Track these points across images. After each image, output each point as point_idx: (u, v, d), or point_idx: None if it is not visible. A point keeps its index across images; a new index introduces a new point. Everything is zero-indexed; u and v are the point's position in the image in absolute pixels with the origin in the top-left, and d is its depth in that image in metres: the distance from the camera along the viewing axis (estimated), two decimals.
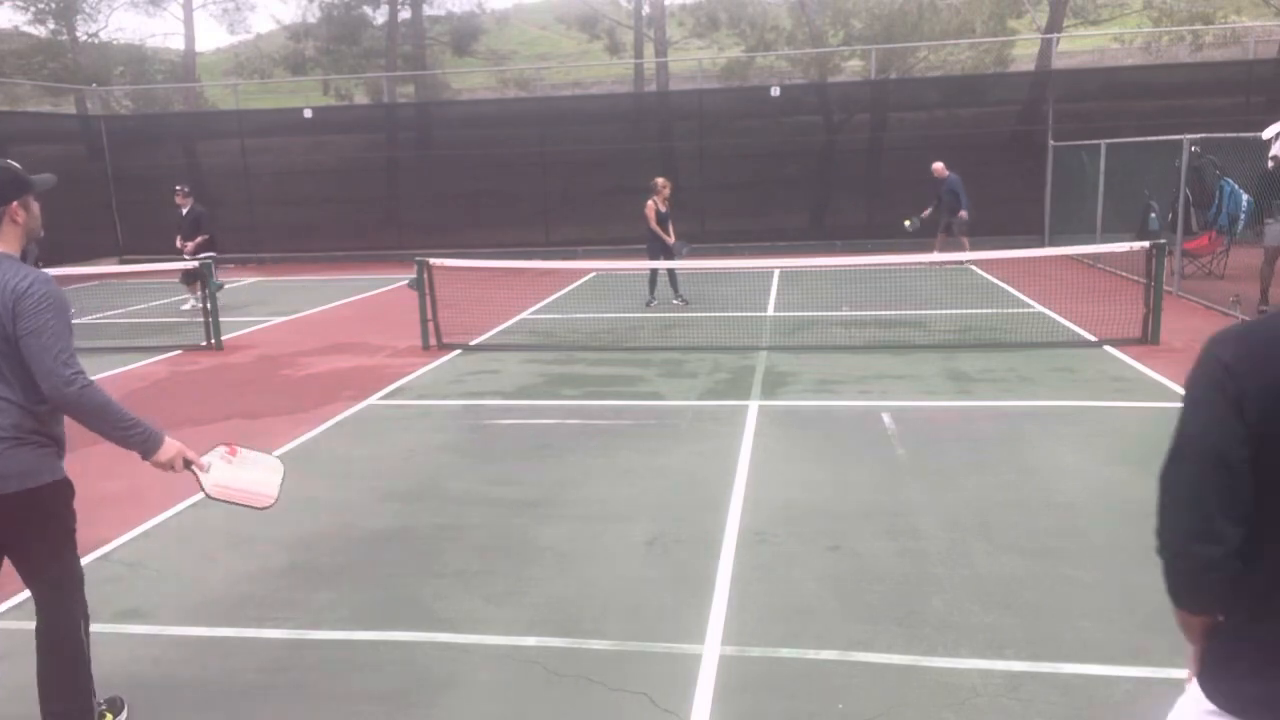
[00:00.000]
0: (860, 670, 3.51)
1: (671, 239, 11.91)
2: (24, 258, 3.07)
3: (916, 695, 3.34)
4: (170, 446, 3.12)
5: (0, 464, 2.91)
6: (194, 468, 3.25)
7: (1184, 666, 1.90)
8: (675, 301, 12.10)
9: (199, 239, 12.83)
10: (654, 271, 12.09)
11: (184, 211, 12.98)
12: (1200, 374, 1.66)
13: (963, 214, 14.14)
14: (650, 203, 11.88)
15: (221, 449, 3.41)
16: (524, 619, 3.99)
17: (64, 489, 3.10)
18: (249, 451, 3.47)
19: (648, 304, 12.15)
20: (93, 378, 2.98)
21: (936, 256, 13.39)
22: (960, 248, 13.95)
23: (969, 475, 5.56)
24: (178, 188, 13.21)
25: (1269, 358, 1.61)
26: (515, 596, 4.22)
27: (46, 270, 3.65)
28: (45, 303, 2.88)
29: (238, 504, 3.40)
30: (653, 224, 11.86)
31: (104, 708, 3.39)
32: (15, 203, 3.02)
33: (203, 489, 3.31)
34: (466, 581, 4.39)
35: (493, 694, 3.46)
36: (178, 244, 12.93)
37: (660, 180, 12.02)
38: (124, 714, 3.47)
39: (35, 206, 3.12)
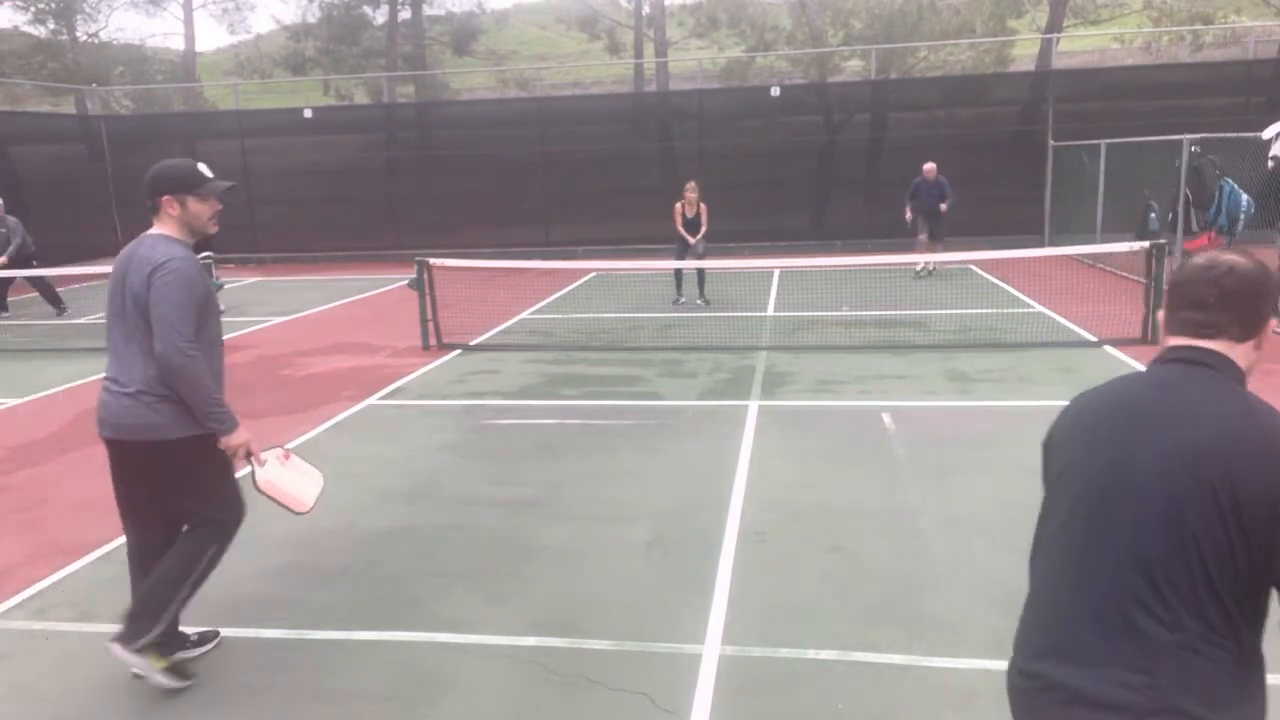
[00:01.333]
0: (860, 670, 3.51)
1: (693, 240, 12.01)
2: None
3: (916, 695, 3.34)
4: (241, 434, 3.47)
5: (132, 416, 3.34)
6: (253, 460, 3.56)
7: None
8: (699, 301, 12.16)
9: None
10: (679, 270, 12.16)
11: None
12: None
13: (943, 206, 13.54)
14: (676, 206, 12.08)
15: (278, 450, 3.74)
16: (524, 619, 3.99)
17: (192, 444, 3.40)
18: (299, 460, 3.83)
19: (674, 302, 12.22)
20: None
21: (933, 257, 13.28)
22: (932, 250, 13.54)
23: (969, 475, 5.56)
24: None
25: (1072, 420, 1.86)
26: (515, 596, 4.22)
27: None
28: (173, 278, 3.31)
29: (278, 502, 3.67)
30: (677, 226, 12.06)
31: (164, 662, 3.52)
32: (168, 196, 3.47)
33: (254, 481, 3.59)
34: (466, 581, 4.39)
35: (493, 694, 3.46)
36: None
37: (687, 185, 12.20)
38: (211, 645, 3.78)
39: (196, 205, 3.50)
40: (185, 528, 3.56)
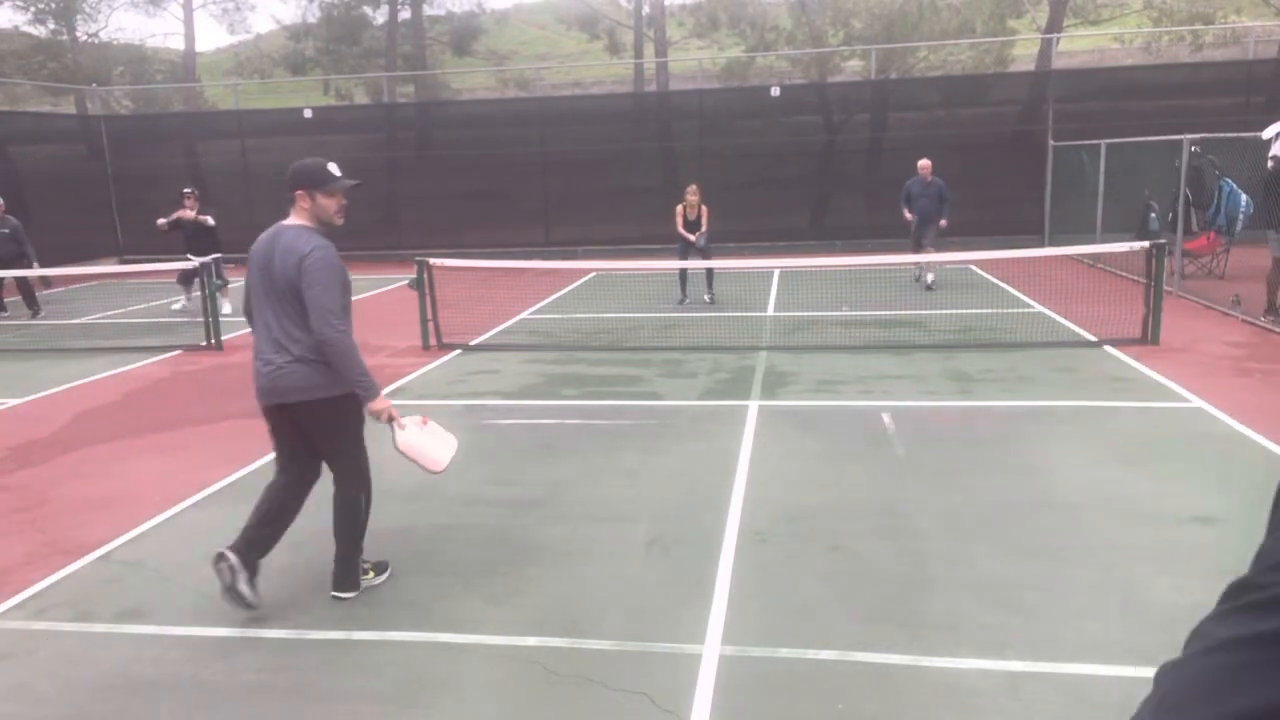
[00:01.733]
0: (860, 670, 3.51)
1: (693, 237, 12.08)
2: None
3: (916, 695, 3.33)
4: (384, 400, 4.05)
5: (292, 380, 3.94)
6: (395, 424, 4.07)
7: None
8: (705, 298, 12.22)
9: (203, 217, 12.60)
10: (684, 271, 12.20)
11: (194, 216, 12.62)
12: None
13: (943, 222, 12.54)
14: (677, 208, 12.15)
15: (418, 417, 4.23)
16: (524, 619, 3.98)
17: (343, 402, 4.01)
18: (436, 426, 4.28)
19: (679, 302, 12.26)
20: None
21: (929, 257, 12.79)
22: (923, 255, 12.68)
23: (969, 475, 5.56)
24: (186, 190, 12.85)
25: None
26: (515, 596, 4.22)
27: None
28: (320, 265, 3.92)
29: (416, 462, 4.17)
30: (678, 227, 12.12)
31: (369, 565, 4.33)
32: (301, 190, 4.09)
33: (395, 442, 4.10)
34: (466, 581, 4.39)
35: (493, 694, 3.46)
36: (159, 222, 12.60)
37: (688, 188, 12.27)
38: (386, 575, 4.39)
39: (323, 200, 4.10)
40: (335, 492, 4.16)
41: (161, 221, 12.55)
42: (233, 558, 3.95)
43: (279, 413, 4.06)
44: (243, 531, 4.07)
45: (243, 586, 3.95)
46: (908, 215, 12.83)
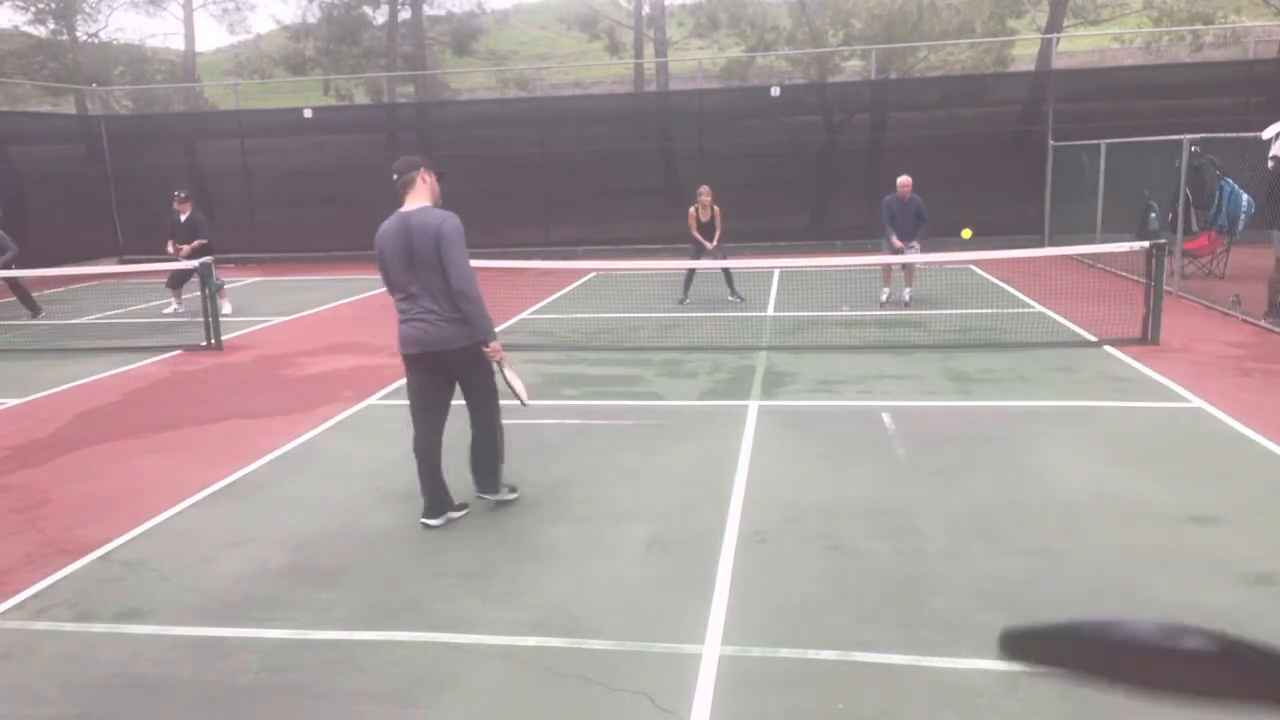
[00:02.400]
0: (860, 670, 3.51)
1: (710, 245, 12.10)
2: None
3: (916, 695, 3.33)
4: (498, 343, 5.00)
5: (444, 332, 4.89)
6: (503, 362, 5.12)
7: None
8: (731, 299, 12.25)
9: (196, 243, 12.68)
10: (691, 272, 12.23)
11: (182, 218, 12.68)
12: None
13: (916, 244, 11.41)
14: (690, 210, 12.20)
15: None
16: (524, 619, 3.98)
17: (476, 349, 4.95)
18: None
19: (680, 302, 12.27)
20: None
21: (922, 256, 11.90)
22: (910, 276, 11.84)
23: (969, 475, 5.56)
24: (176, 193, 12.91)
25: None
26: (515, 596, 4.22)
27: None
28: (454, 231, 4.88)
29: (514, 389, 5.23)
30: (692, 230, 12.15)
31: (510, 484, 5.32)
32: (423, 170, 5.01)
33: (504, 374, 5.16)
34: (466, 581, 4.39)
35: (493, 694, 3.46)
36: (169, 248, 12.75)
37: (700, 189, 12.29)
38: (515, 496, 5.32)
39: (434, 180, 5.07)
40: (476, 419, 5.12)
41: (184, 249, 12.60)
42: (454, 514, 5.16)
43: (426, 360, 4.97)
44: (429, 496, 5.10)
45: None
46: (896, 242, 11.37)
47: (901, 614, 3.91)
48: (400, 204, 4.98)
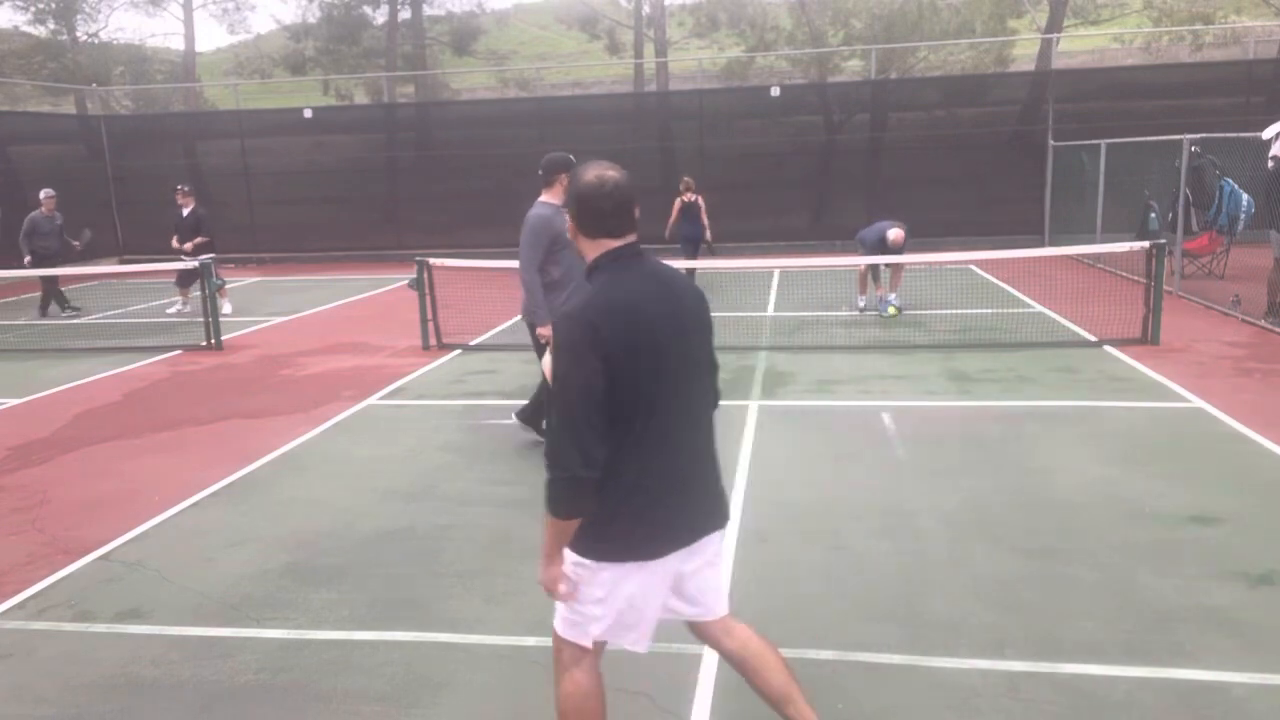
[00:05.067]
0: (860, 670, 3.51)
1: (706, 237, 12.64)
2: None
3: (916, 695, 3.33)
4: (548, 329, 4.81)
5: (524, 306, 5.68)
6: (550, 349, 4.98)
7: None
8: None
9: (198, 240, 12.71)
10: (689, 272, 12.34)
11: (185, 213, 12.78)
12: (578, 337, 2.31)
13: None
14: (675, 203, 12.62)
15: None
16: (524, 619, 3.98)
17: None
18: None
19: None
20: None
21: (913, 258, 11.54)
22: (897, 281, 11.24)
23: (969, 475, 5.56)
24: (179, 187, 12.98)
25: (625, 319, 2.34)
26: (515, 596, 4.22)
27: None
28: (526, 225, 5.64)
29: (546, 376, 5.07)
30: (671, 218, 12.59)
31: None
32: (564, 174, 5.47)
33: (543, 362, 5.10)
34: (466, 581, 4.39)
35: (493, 694, 3.46)
36: (174, 244, 12.79)
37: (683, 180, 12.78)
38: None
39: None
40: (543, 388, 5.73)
41: (187, 246, 12.64)
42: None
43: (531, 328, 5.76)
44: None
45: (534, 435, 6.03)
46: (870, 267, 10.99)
47: (901, 614, 3.91)
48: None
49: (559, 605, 2.62)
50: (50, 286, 13.23)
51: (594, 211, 2.45)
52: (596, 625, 2.55)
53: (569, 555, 2.51)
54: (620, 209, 2.46)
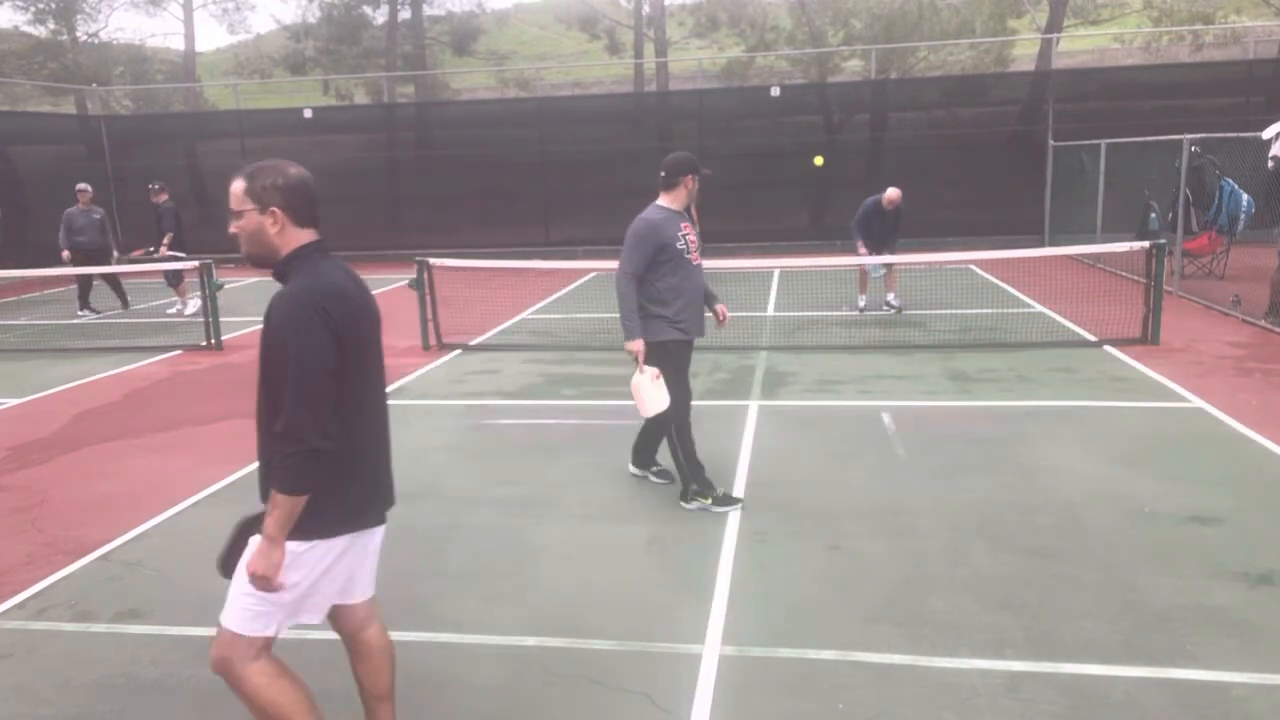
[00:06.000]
0: (860, 670, 3.51)
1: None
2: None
3: (916, 695, 3.33)
4: (636, 345, 4.93)
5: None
6: (638, 366, 4.98)
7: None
8: None
9: (168, 236, 12.73)
10: None
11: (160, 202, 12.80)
12: (309, 316, 2.44)
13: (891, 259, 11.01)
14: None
15: (655, 370, 4.99)
16: (524, 619, 3.98)
17: (658, 348, 4.99)
18: (663, 384, 5.01)
19: None
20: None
21: (899, 261, 11.33)
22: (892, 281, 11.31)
23: (969, 475, 5.56)
24: (150, 185, 12.95)
25: (342, 302, 2.52)
26: (515, 596, 4.22)
27: None
28: (630, 231, 4.99)
29: (635, 398, 5.05)
30: None
31: (697, 489, 5.17)
32: (690, 176, 5.05)
33: (635, 377, 5.00)
34: (466, 581, 4.39)
35: (493, 694, 3.46)
36: (149, 250, 12.87)
37: None
38: (723, 508, 5.10)
39: (693, 184, 5.08)
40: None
41: (155, 250, 12.74)
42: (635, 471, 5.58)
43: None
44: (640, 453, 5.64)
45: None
46: (861, 249, 10.85)
47: (901, 614, 3.91)
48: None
49: (236, 602, 2.71)
50: (87, 281, 13.21)
51: (308, 200, 2.64)
52: (283, 612, 2.69)
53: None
54: (317, 203, 2.69)
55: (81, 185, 13.03)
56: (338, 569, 2.74)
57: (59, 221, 13.15)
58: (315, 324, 2.45)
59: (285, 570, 2.57)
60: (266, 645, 2.74)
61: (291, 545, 2.57)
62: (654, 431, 5.41)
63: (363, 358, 2.62)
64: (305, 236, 2.64)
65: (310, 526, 2.58)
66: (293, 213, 2.61)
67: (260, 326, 2.60)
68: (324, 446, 2.46)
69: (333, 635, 3.91)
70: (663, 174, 5.09)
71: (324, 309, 2.47)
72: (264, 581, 2.57)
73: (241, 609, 2.68)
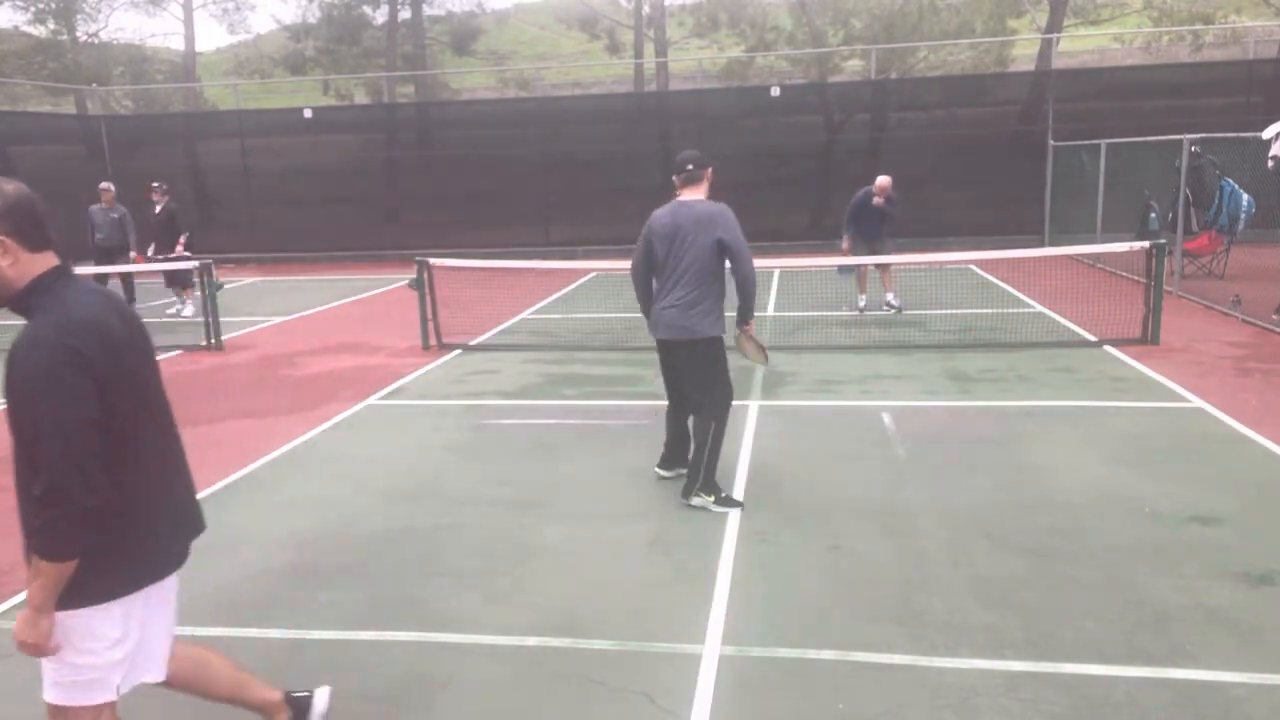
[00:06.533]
0: (860, 670, 3.51)
1: None
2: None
3: (916, 695, 3.33)
4: (753, 325, 5.33)
5: (681, 322, 5.07)
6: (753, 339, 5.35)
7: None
8: None
9: (185, 236, 12.75)
10: None
11: (157, 209, 12.73)
12: (60, 363, 2.14)
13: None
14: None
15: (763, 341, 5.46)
16: (524, 619, 3.98)
17: (706, 344, 5.11)
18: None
19: None
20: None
21: (895, 259, 11.28)
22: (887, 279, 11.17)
23: (969, 475, 5.56)
24: (152, 185, 12.89)
25: (99, 337, 2.24)
26: (515, 596, 4.22)
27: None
28: (735, 218, 5.14)
29: (754, 352, 5.44)
30: None
31: (703, 486, 5.14)
32: (709, 169, 5.28)
33: (753, 339, 5.38)
34: (466, 581, 4.39)
35: (493, 694, 3.46)
36: (149, 252, 12.85)
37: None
38: (726, 509, 5.06)
39: (711, 175, 5.32)
40: (692, 414, 5.24)
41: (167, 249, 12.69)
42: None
43: (662, 347, 5.26)
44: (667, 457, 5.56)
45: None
46: (845, 244, 10.99)
47: (901, 614, 3.91)
48: (678, 194, 5.25)
49: (55, 675, 2.43)
50: (101, 280, 13.17)
51: (36, 220, 2.29)
52: (117, 672, 2.46)
53: (63, 613, 2.32)
54: (46, 222, 2.33)
55: (105, 184, 13.03)
56: (160, 615, 2.57)
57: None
58: (66, 371, 2.15)
59: (92, 638, 2.36)
60: (110, 709, 2.51)
61: (89, 609, 2.34)
62: (697, 436, 5.18)
63: (132, 395, 2.35)
64: (44, 263, 2.30)
65: (102, 587, 2.34)
66: (21, 237, 2.26)
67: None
68: (92, 504, 2.18)
69: (332, 635, 3.92)
70: (690, 167, 5.19)
71: (74, 350, 2.18)
72: (35, 649, 2.34)
73: (59, 679, 2.43)
